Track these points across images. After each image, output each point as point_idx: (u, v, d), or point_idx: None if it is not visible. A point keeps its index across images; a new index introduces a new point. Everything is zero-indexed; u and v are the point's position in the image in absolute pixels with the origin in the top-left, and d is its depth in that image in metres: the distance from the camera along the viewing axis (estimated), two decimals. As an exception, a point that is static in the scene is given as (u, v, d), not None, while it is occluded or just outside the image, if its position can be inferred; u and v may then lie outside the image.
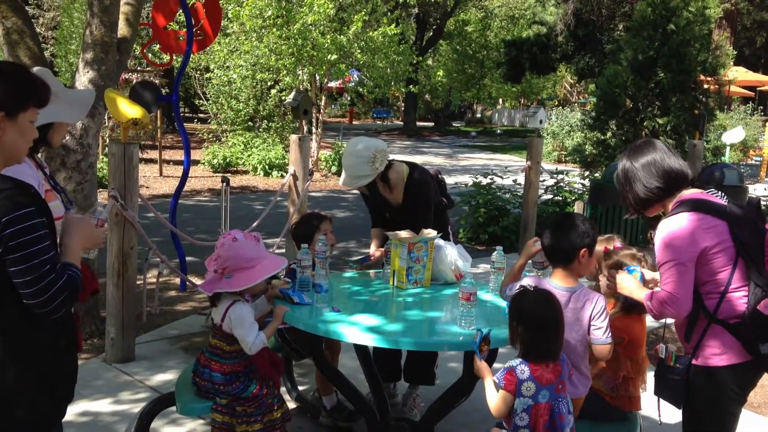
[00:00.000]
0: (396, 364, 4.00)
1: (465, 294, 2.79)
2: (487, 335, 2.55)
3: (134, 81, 11.59)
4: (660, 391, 2.64)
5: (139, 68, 15.86)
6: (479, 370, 2.57)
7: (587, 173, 9.82)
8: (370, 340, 2.74)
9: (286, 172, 5.73)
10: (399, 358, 3.97)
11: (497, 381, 2.45)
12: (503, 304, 3.21)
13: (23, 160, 1.98)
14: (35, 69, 2.62)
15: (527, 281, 2.73)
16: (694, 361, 2.49)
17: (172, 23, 6.38)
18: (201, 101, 17.89)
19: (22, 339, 1.84)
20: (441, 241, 3.59)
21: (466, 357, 2.90)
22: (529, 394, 2.41)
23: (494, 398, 2.48)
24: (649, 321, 5.49)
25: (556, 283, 2.68)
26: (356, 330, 2.79)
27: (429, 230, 3.53)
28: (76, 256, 2.02)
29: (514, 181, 9.31)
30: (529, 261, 3.00)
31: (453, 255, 3.51)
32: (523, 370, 2.42)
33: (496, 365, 2.81)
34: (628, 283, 2.67)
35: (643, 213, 2.68)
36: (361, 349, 3.44)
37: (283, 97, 15.89)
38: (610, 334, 2.64)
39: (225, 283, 2.88)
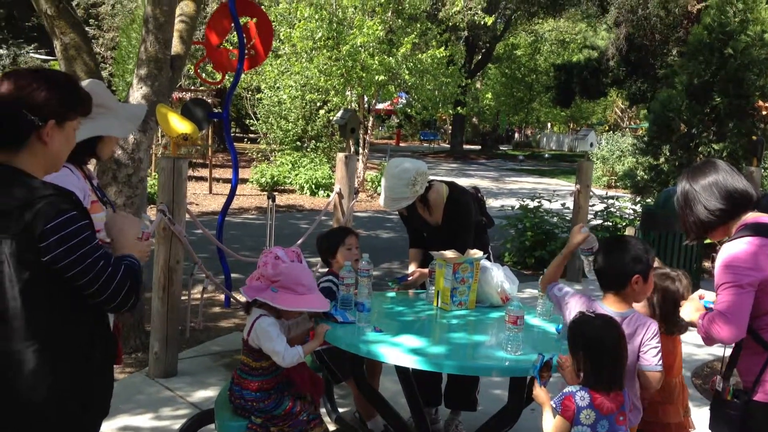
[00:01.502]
0: (436, 389, 3.90)
1: (512, 317, 2.69)
2: (548, 361, 2.44)
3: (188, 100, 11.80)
4: (715, 426, 2.50)
5: (192, 87, 16.21)
6: (538, 396, 2.45)
7: (639, 199, 9.57)
8: (413, 362, 2.66)
9: (332, 192, 5.72)
10: (439, 382, 3.87)
11: (554, 406, 2.34)
12: (552, 329, 3.10)
13: (60, 168, 1.99)
14: (88, 80, 2.66)
15: (577, 302, 2.63)
16: (753, 397, 2.35)
17: (224, 42, 6.47)
18: (251, 121, 18.18)
19: (58, 350, 1.82)
20: (487, 263, 3.50)
21: (512, 384, 2.80)
22: (588, 423, 2.30)
23: (549, 425, 2.37)
24: (704, 352, 5.28)
25: (607, 308, 2.57)
26: (398, 351, 2.72)
27: (475, 251, 3.45)
28: (128, 248, 2.02)
29: (563, 205, 9.15)
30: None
31: (499, 277, 3.42)
32: (584, 396, 2.31)
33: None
34: (687, 308, 2.55)
35: (704, 238, 2.54)
36: (402, 372, 3.37)
37: (331, 118, 16.03)
38: (660, 361, 2.52)
39: (268, 295, 2.85)
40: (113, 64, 19.36)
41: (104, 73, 20.81)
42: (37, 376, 1.78)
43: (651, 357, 2.49)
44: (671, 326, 2.84)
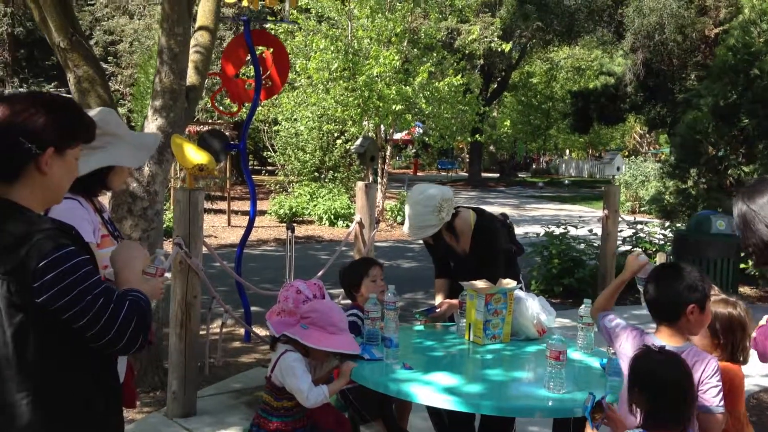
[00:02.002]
0: (469, 427, 3.67)
1: (554, 352, 2.49)
2: (600, 401, 2.22)
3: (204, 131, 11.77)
4: None
5: (210, 121, 16.26)
6: None
7: (668, 224, 9.31)
8: (448, 403, 2.46)
9: (351, 222, 5.56)
10: (473, 420, 3.64)
11: None
12: (595, 364, 2.89)
13: (62, 200, 1.83)
14: (99, 109, 2.52)
15: (629, 336, 2.41)
16: None
17: (240, 72, 6.40)
18: (269, 153, 18.18)
19: (54, 401, 1.63)
20: (521, 293, 3.30)
21: (556, 425, 2.58)
22: None
23: None
24: (750, 383, 5.00)
25: (660, 341, 2.36)
26: (431, 391, 2.52)
27: (507, 280, 3.25)
28: (134, 281, 1.82)
29: (590, 231, 8.90)
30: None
31: (535, 308, 3.21)
32: None
33: None
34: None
35: None
36: (433, 409, 3.16)
37: (348, 147, 15.97)
38: (722, 402, 2.29)
39: (298, 331, 2.68)
40: (132, 101, 19.53)
41: (123, 110, 21.04)
42: (31, 430, 1.60)
43: (711, 397, 2.26)
44: (738, 353, 2.61)
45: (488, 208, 3.90)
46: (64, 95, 1.85)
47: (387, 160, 15.50)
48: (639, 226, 8.79)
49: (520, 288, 3.43)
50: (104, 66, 19.85)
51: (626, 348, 2.41)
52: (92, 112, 2.36)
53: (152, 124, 4.75)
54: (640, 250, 2.64)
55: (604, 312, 2.61)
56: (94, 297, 1.60)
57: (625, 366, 2.35)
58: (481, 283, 3.14)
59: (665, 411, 2.10)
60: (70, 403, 1.66)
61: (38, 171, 1.67)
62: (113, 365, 1.82)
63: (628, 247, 8.84)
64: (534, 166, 44.36)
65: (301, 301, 2.82)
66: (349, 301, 3.63)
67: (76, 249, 1.62)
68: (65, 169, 1.73)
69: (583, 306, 3.06)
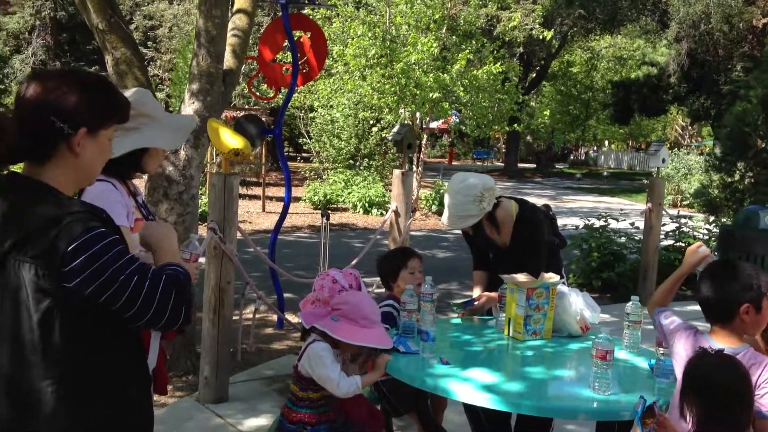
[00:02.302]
0: (506, 424, 3.56)
1: (600, 352, 2.36)
2: (652, 406, 2.10)
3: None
4: None
5: (246, 106, 16.30)
6: None
7: (712, 218, 9.02)
8: (486, 401, 2.35)
9: (386, 210, 5.48)
10: (509, 417, 3.53)
11: None
12: (642, 364, 2.75)
13: (94, 182, 1.76)
14: (134, 89, 2.46)
15: (682, 335, 2.28)
16: None
17: (278, 56, 6.32)
18: (304, 140, 18.17)
19: (81, 390, 1.57)
20: (564, 288, 3.17)
21: (599, 428, 2.46)
22: None
23: None
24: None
25: (715, 343, 2.22)
26: (469, 387, 2.42)
27: (550, 274, 3.12)
28: (170, 255, 1.75)
29: (631, 224, 8.66)
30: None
31: (579, 304, 3.08)
32: None
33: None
34: None
35: None
36: (470, 405, 3.05)
37: (384, 135, 15.87)
38: None
39: (328, 324, 2.60)
40: (170, 86, 19.68)
41: (161, 95, 21.23)
42: (56, 420, 1.54)
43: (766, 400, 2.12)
44: None
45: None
46: (98, 74, 1.78)
47: (423, 149, 15.36)
48: (683, 221, 8.53)
49: (563, 283, 3.29)
50: (143, 51, 20.04)
51: (681, 349, 2.28)
52: (127, 93, 2.29)
53: (189, 108, 4.71)
54: (701, 242, 2.49)
55: (661, 308, 2.48)
56: (128, 276, 1.54)
57: (678, 368, 2.22)
58: (522, 277, 3.02)
59: (720, 417, 1.98)
60: (96, 392, 1.60)
61: (70, 151, 1.61)
62: (143, 352, 1.75)
63: (671, 242, 8.59)
64: (572, 157, 43.69)
65: (336, 291, 2.75)
66: (383, 290, 3.54)
67: (106, 230, 1.55)
68: (98, 150, 1.67)
69: (630, 303, 2.92)
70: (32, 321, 1.51)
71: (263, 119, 12.19)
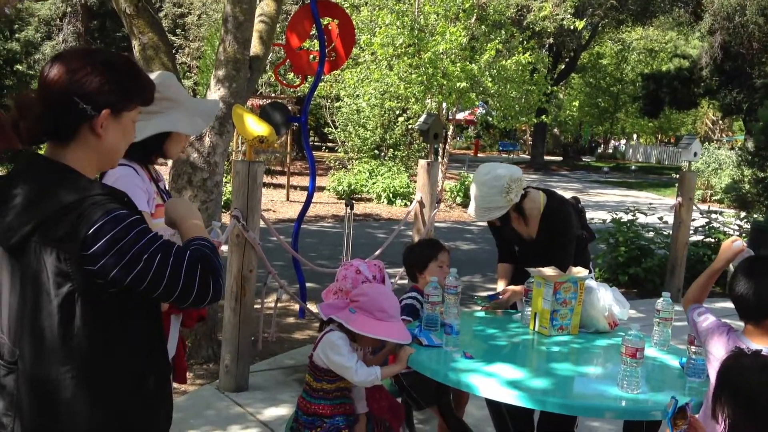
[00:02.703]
0: (529, 420, 3.50)
1: (630, 349, 2.29)
2: (684, 407, 2.02)
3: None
4: None
5: (273, 95, 16.31)
6: None
7: (744, 214, 8.82)
8: (510, 398, 2.29)
9: (410, 201, 5.41)
10: (532, 412, 3.46)
11: None
12: (672, 362, 2.67)
13: (116, 165, 1.73)
14: (159, 72, 2.42)
15: (715, 332, 2.20)
16: None
17: (305, 43, 6.28)
18: (330, 129, 18.14)
19: (100, 378, 1.54)
20: (593, 283, 3.08)
21: (626, 427, 2.39)
22: None
23: None
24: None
25: (751, 343, 2.13)
26: (493, 383, 2.36)
27: (579, 269, 3.04)
28: (194, 230, 1.71)
29: (660, 218, 8.50)
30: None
31: (607, 299, 3.00)
32: None
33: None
34: None
35: None
36: (492, 401, 2.99)
37: (410, 126, 15.76)
38: None
39: (344, 315, 2.54)
40: (198, 73, 19.76)
41: (189, 82, 21.32)
42: (75, 407, 1.51)
43: None
44: None
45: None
46: (123, 54, 1.74)
47: (448, 140, 15.24)
48: (713, 216, 8.34)
49: (591, 277, 3.21)
50: (172, 38, 20.15)
51: (715, 349, 2.19)
52: (152, 76, 2.26)
53: (215, 94, 4.69)
54: (737, 236, 2.40)
55: (696, 305, 2.40)
56: (151, 255, 1.50)
57: (712, 368, 2.14)
58: (549, 271, 2.94)
59: (753, 421, 1.89)
60: (115, 381, 1.57)
61: (93, 133, 1.57)
62: (163, 342, 1.72)
63: (700, 237, 8.42)
64: (599, 150, 43.15)
65: (359, 282, 2.70)
66: (405, 281, 3.48)
67: (127, 212, 1.52)
68: (121, 132, 1.63)
69: (661, 299, 2.83)
70: (52, 306, 1.48)
71: (289, 107, 12.18)
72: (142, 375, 1.61)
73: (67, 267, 1.47)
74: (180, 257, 1.53)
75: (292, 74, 12.87)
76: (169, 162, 4.74)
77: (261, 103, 13.67)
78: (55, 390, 1.51)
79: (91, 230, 1.45)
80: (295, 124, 6.05)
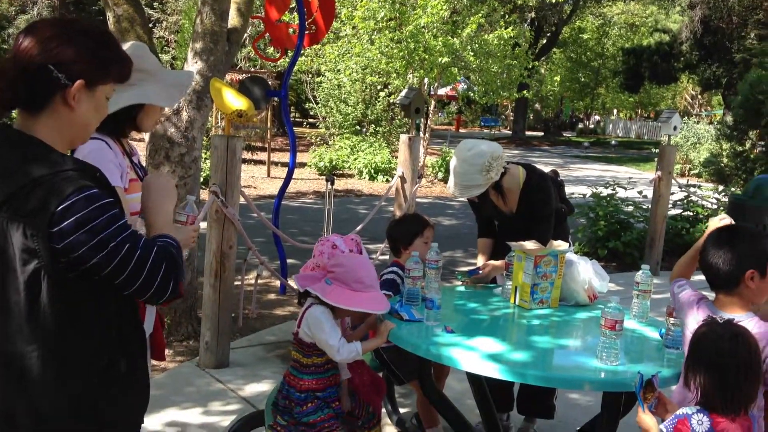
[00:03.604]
0: (508, 392, 3.53)
1: (609, 321, 2.29)
2: (651, 380, 2.03)
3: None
4: None
5: (252, 69, 16.11)
6: (643, 423, 2.03)
7: (722, 188, 8.89)
8: (492, 371, 2.30)
9: (392, 177, 5.38)
10: (512, 385, 3.50)
11: (665, 430, 1.93)
12: (651, 334, 2.69)
13: (88, 140, 1.68)
14: (131, 43, 2.36)
15: (690, 303, 2.21)
16: None
17: (284, 16, 6.18)
18: (311, 105, 17.99)
19: (68, 357, 1.51)
20: (573, 256, 3.09)
21: (605, 399, 2.41)
22: None
23: None
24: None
25: (724, 313, 2.14)
26: (474, 357, 2.36)
27: (559, 242, 3.05)
28: (163, 223, 1.68)
29: (639, 192, 8.55)
30: None
31: (587, 272, 3.01)
32: (701, 420, 1.89)
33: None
34: None
35: None
36: (474, 375, 3.00)
37: (391, 101, 15.67)
38: None
39: (320, 287, 2.51)
40: (176, 48, 19.44)
41: (167, 57, 20.98)
42: (42, 386, 1.48)
43: None
44: None
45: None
46: (101, 26, 1.69)
47: (430, 116, 15.18)
48: (692, 189, 8.40)
49: (571, 250, 3.22)
50: (149, 12, 19.76)
51: (689, 319, 2.21)
52: (125, 46, 2.20)
53: (192, 67, 4.61)
54: (725, 214, 2.40)
55: (679, 279, 2.41)
56: (119, 243, 1.47)
57: (687, 339, 2.16)
58: (530, 244, 2.94)
59: (725, 389, 1.91)
60: (86, 361, 1.53)
61: (65, 104, 1.53)
62: (138, 321, 1.69)
63: (679, 211, 8.49)
64: (580, 126, 43.29)
65: (339, 257, 2.67)
66: (387, 257, 3.47)
67: (99, 191, 1.48)
68: (94, 105, 1.59)
69: (640, 272, 2.85)
70: (18, 282, 1.45)
71: (269, 82, 12.04)
72: (112, 357, 1.58)
73: (34, 244, 1.43)
74: (146, 252, 1.51)
75: (272, 48, 12.71)
76: (146, 137, 4.67)
77: (241, 77, 13.49)
78: (22, 368, 1.48)
79: (61, 206, 1.41)
80: (275, 98, 5.99)
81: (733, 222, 2.41)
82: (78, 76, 1.52)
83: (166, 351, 4.40)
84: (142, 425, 1.75)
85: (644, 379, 2.03)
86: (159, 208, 1.74)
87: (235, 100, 4.13)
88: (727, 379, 1.90)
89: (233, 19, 4.95)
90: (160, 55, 16.66)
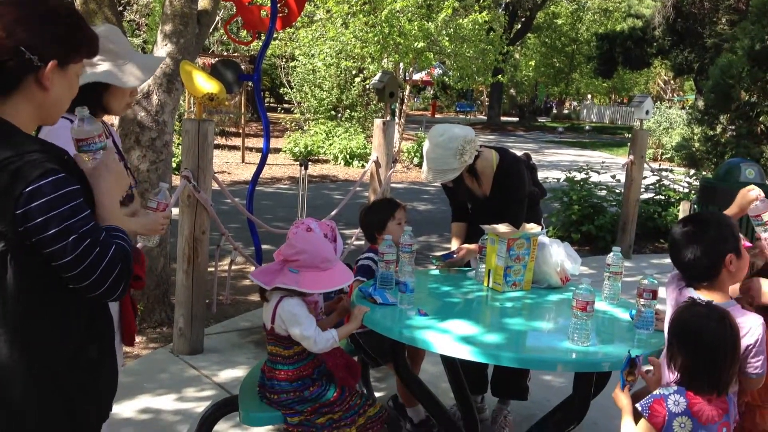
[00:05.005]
0: (482, 375, 3.55)
1: (580, 303, 2.31)
2: (635, 360, 2.05)
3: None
4: None
5: (225, 54, 15.92)
6: (619, 400, 2.05)
7: (693, 172, 9.01)
8: (465, 353, 2.31)
9: (367, 162, 5.36)
10: (485, 368, 3.52)
11: (641, 408, 1.95)
12: (621, 315, 2.72)
13: (58, 120, 1.65)
14: (103, 26, 2.32)
15: (671, 285, 2.23)
16: None
17: None
18: (285, 90, 17.84)
19: (35, 342, 1.48)
20: (545, 239, 3.11)
21: (577, 379, 2.43)
22: None
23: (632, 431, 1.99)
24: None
25: (702, 297, 2.16)
26: (448, 339, 2.37)
27: (531, 225, 3.06)
28: (113, 213, 1.60)
29: (612, 177, 8.63)
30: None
31: (560, 255, 3.03)
32: (678, 401, 1.92)
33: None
34: None
35: None
36: (448, 357, 3.02)
37: (367, 86, 15.61)
38: (765, 364, 2.11)
39: (290, 278, 2.48)
40: (147, 31, 19.14)
41: (138, 40, 20.64)
42: (10, 371, 1.46)
43: (756, 361, 2.08)
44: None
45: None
46: (69, 4, 1.65)
47: (405, 101, 15.15)
48: (664, 173, 8.50)
49: (544, 233, 3.23)
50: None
51: (669, 299, 2.23)
52: (97, 30, 2.16)
53: (162, 50, 4.54)
54: (753, 186, 2.39)
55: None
56: (80, 236, 1.43)
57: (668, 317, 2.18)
58: (503, 228, 2.95)
59: (704, 370, 1.93)
60: (54, 346, 1.51)
61: (39, 86, 1.50)
62: (107, 305, 1.66)
63: (651, 195, 8.58)
64: (554, 111, 43.51)
65: (315, 243, 2.66)
66: (362, 242, 3.46)
67: (66, 177, 1.44)
68: (66, 85, 1.57)
69: (611, 254, 2.87)
70: None
71: (242, 67, 11.92)
72: (82, 343, 1.55)
73: (0, 225, 1.40)
74: (104, 250, 1.47)
75: (245, 31, 12.57)
76: (116, 120, 4.60)
77: (213, 61, 13.33)
78: None
79: (27, 189, 1.39)
80: (249, 82, 5.91)
81: (760, 193, 2.38)
82: (50, 57, 1.50)
83: (140, 338, 4.37)
84: (116, 412, 1.73)
85: (629, 359, 2.05)
86: (110, 192, 1.62)
87: (205, 83, 4.06)
88: (706, 360, 1.92)
89: (203, 1, 4.89)
90: (130, 38, 16.41)
